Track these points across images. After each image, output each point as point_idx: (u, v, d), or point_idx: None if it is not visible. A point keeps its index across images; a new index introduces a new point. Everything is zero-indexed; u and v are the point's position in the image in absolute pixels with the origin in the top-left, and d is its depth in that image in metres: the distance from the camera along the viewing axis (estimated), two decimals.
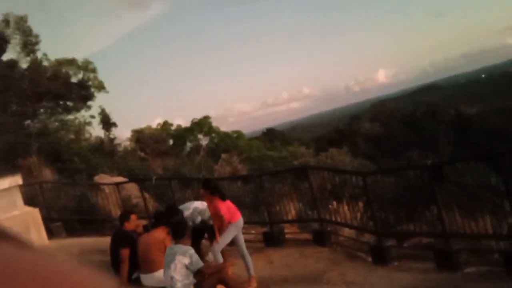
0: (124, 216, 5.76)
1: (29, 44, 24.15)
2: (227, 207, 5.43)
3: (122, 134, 32.06)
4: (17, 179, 8.19)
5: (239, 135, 28.34)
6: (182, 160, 22.22)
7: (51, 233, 8.73)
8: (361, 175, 7.71)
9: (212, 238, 5.53)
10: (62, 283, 0.23)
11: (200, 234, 5.54)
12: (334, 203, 10.60)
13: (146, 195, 11.93)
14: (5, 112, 19.77)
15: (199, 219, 5.95)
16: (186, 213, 5.94)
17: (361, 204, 9.87)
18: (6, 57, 23.67)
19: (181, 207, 6.15)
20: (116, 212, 11.78)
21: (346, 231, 8.82)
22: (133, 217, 5.65)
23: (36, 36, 24.22)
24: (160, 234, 5.15)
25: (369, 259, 6.82)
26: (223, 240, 5.35)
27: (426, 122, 31.68)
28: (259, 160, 21.90)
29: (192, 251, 4.48)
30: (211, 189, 5.55)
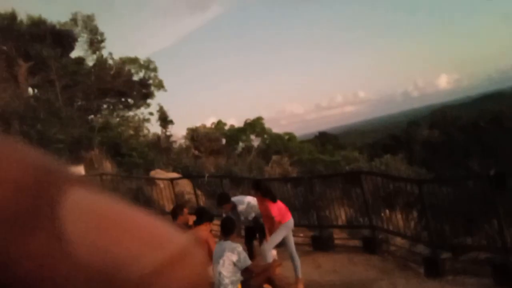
0: (177, 210, 5.94)
1: (95, 42, 25.56)
2: (277, 208, 5.45)
3: (178, 132, 33.12)
4: (80, 170, 8.70)
5: (290, 137, 28.31)
6: (234, 160, 22.53)
7: None
8: (416, 183, 7.45)
9: (262, 238, 5.57)
10: (150, 231, 0.24)
11: (252, 233, 5.59)
12: (387, 211, 10.32)
13: (198, 192, 12.24)
14: (72, 107, 21.06)
15: (252, 214, 6.01)
16: (240, 207, 6.02)
17: (415, 213, 9.54)
18: (74, 54, 25.25)
19: (234, 199, 6.25)
20: (169, 206, 12.18)
21: (398, 240, 8.56)
22: (185, 210, 5.82)
23: (102, 35, 25.60)
24: (204, 232, 5.23)
25: (421, 270, 6.57)
26: (272, 240, 5.38)
27: (490, 130, 29.95)
28: (310, 163, 21.75)
29: (240, 248, 4.53)
30: (262, 190, 5.59)
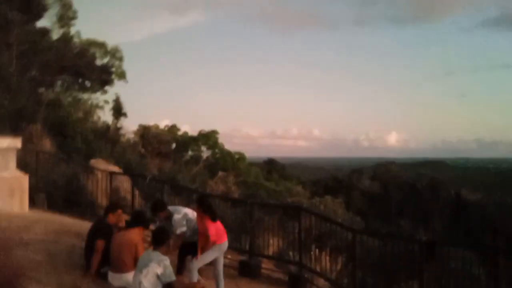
0: (111, 208, 5.70)
1: (66, 18, 24.56)
2: (216, 228, 5.36)
3: (129, 126, 32.18)
4: (17, 142, 8.19)
5: (241, 157, 28.33)
6: (180, 167, 22.17)
7: (33, 203, 8.65)
8: (352, 232, 7.62)
9: (193, 254, 5.43)
10: None
11: (187, 249, 5.43)
12: (317, 250, 10.46)
13: (136, 191, 11.85)
14: (23, 76, 19.92)
15: (183, 228, 5.80)
16: (176, 216, 5.84)
17: (343, 258, 9.74)
18: (40, 24, 24.07)
19: (171, 208, 6.06)
20: (103, 200, 11.69)
21: (321, 282, 8.68)
22: (119, 211, 5.58)
23: (74, 12, 24.66)
24: (135, 236, 5.05)
25: None
26: (203, 259, 5.26)
27: (425, 195, 31.53)
28: (254, 187, 21.81)
29: (167, 262, 4.39)
30: (204, 206, 5.49)
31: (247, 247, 9.02)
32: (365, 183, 33.38)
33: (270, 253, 9.72)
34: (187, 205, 7.92)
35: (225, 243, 5.44)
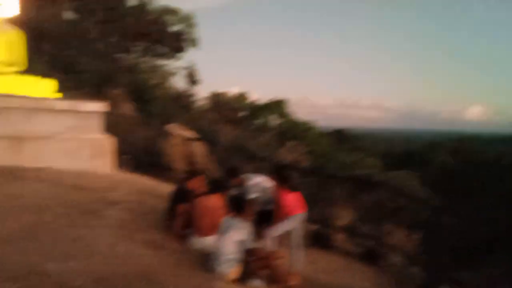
0: (192, 174, 5.82)
1: None
2: (291, 199, 5.28)
3: (201, 92, 32.95)
4: (103, 106, 8.59)
5: (310, 126, 27.94)
6: (250, 135, 22.33)
7: (118, 164, 9.11)
8: (429, 208, 7.23)
9: (268, 223, 5.42)
10: None
11: (264, 217, 5.43)
12: (390, 225, 10.14)
13: (210, 156, 12.15)
14: (105, 42, 20.87)
15: (256, 195, 5.78)
16: (250, 182, 5.84)
17: (418, 234, 9.35)
18: None
19: (244, 176, 6.07)
20: (179, 163, 12.12)
21: (395, 258, 8.42)
22: (199, 178, 5.69)
23: None
24: (216, 201, 5.13)
25: None
26: (277, 229, 5.23)
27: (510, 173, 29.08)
28: (324, 157, 21.50)
29: (248, 229, 4.40)
30: (282, 177, 5.42)
31: (319, 218, 8.93)
32: (443, 158, 31.60)
33: (342, 225, 9.57)
34: (258, 172, 7.94)
35: (299, 215, 5.35)
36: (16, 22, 8.82)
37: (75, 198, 5.96)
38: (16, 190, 5.97)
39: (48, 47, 14.38)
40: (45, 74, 10.83)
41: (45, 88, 8.27)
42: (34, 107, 7.57)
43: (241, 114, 29.41)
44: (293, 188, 5.42)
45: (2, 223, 4.64)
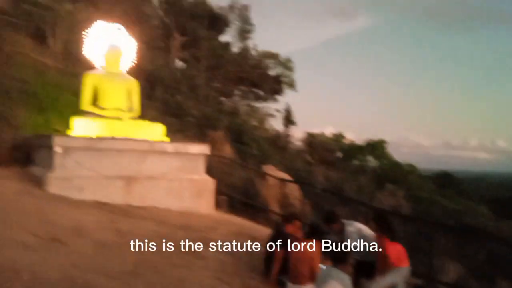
0: (290, 218, 5.82)
1: (245, 32, 26.78)
2: (396, 249, 5.00)
3: (295, 133, 33.35)
4: (206, 149, 9.09)
5: (412, 169, 26.56)
6: (346, 177, 21.86)
7: (216, 204, 9.47)
8: None
9: (368, 276, 5.16)
10: None
11: (366, 269, 5.21)
12: (504, 283, 9.11)
13: (305, 199, 12.08)
14: (210, 87, 22.37)
15: (355, 243, 5.55)
16: (349, 228, 5.65)
17: None
18: (223, 39, 26.78)
19: (345, 221, 5.89)
20: (274, 205, 12.23)
21: None
22: (297, 223, 5.67)
23: (252, 26, 26.71)
24: (312, 248, 5.02)
25: None
26: (380, 283, 4.95)
27: None
28: (426, 203, 20.16)
29: (348, 281, 4.24)
30: (383, 225, 5.18)
31: (421, 271, 8.27)
32: None
33: (448, 280, 8.76)
34: (354, 217, 7.66)
35: (406, 268, 5.02)
36: (133, 71, 9.87)
37: (178, 237, 6.27)
38: (125, 227, 6.46)
39: (160, 93, 15.78)
40: (156, 118, 11.86)
41: (156, 131, 9.01)
42: (146, 150, 8.26)
43: (336, 155, 29.05)
44: (395, 238, 5.14)
45: (111, 258, 5.03)
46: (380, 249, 5.11)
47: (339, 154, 29.49)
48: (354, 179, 22.14)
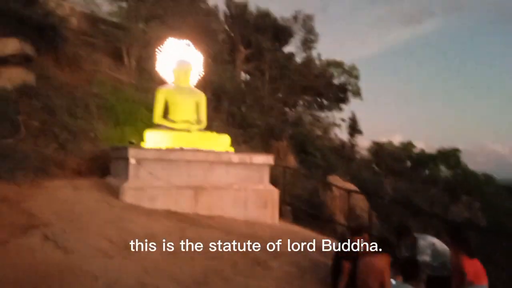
0: (358, 231, 5.71)
1: (308, 41, 26.77)
2: (473, 266, 4.72)
3: (361, 142, 32.55)
4: (270, 159, 9.18)
5: (488, 179, 24.91)
6: (416, 188, 20.94)
7: (280, 215, 9.50)
8: None
9: None
10: None
11: (440, 286, 4.96)
12: None
13: (372, 211, 11.74)
14: (273, 97, 22.58)
15: (427, 258, 5.31)
16: (422, 242, 5.42)
17: None
18: (286, 49, 26.98)
19: (417, 234, 5.65)
20: (340, 216, 12.02)
21: None
22: (365, 235, 5.54)
23: (316, 35, 26.65)
24: (383, 263, 4.87)
25: None
26: None
27: None
28: (504, 215, 18.75)
29: None
30: (460, 240, 4.90)
31: None
32: None
33: None
34: (425, 230, 7.30)
35: (484, 286, 4.71)
36: (200, 85, 10.25)
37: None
38: (194, 235, 6.67)
39: (225, 105, 16.21)
40: (222, 130, 12.18)
41: (222, 142, 9.26)
42: (213, 160, 8.52)
43: (405, 164, 27.99)
44: (472, 253, 4.85)
45: (181, 265, 5.23)
46: (457, 266, 4.84)
47: (408, 164, 28.40)
48: (425, 190, 21.15)
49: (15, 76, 11.43)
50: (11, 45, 11.63)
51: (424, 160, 26.96)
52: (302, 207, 11.55)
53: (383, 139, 30.29)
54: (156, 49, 9.87)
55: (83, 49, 15.00)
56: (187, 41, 9.95)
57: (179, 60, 9.57)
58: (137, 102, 12.82)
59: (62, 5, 16.77)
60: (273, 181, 9.54)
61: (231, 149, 9.27)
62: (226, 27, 24.93)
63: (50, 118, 10.73)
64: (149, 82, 13.95)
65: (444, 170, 26.48)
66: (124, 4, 17.26)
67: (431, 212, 12.96)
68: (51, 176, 8.72)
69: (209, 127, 9.96)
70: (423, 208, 14.59)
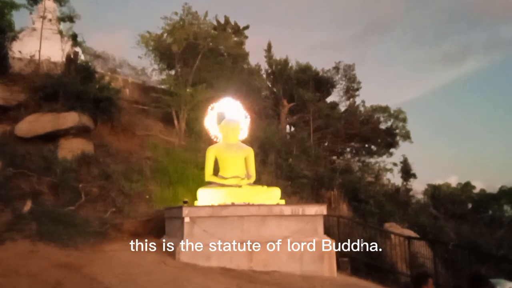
0: (422, 278, 5.41)
1: (351, 89, 26.96)
2: None
3: (416, 186, 31.34)
4: (323, 209, 9.03)
5: None
6: (480, 230, 19.65)
7: (338, 267, 9.18)
8: None
9: None
10: None
11: None
12: None
13: (436, 258, 11.09)
14: (320, 147, 22.57)
15: None
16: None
17: None
18: (329, 99, 27.25)
19: (494, 281, 5.26)
20: (401, 265, 11.42)
21: None
22: (430, 280, 5.25)
23: (359, 83, 26.84)
24: None
25: None
26: None
27: None
28: None
29: None
30: None
31: None
32: None
33: None
34: (495, 275, 6.79)
35: None
36: (247, 140, 10.49)
37: None
38: None
39: (273, 158, 16.36)
40: (271, 182, 12.22)
41: (273, 195, 9.28)
42: (265, 214, 8.51)
43: (466, 206, 26.54)
44: None
45: None
46: None
47: (469, 205, 26.92)
48: (491, 232, 19.79)
49: (75, 147, 12.26)
50: (70, 119, 12.61)
51: (485, 200, 25.48)
52: (360, 257, 11.12)
53: (438, 181, 29.07)
54: (206, 110, 10.33)
55: (136, 116, 15.93)
56: (232, 100, 10.36)
57: (227, 119, 9.93)
58: (187, 162, 13.24)
59: (116, 78, 18.11)
60: (327, 231, 9.31)
61: (282, 201, 9.25)
62: (269, 84, 25.68)
63: (108, 183, 11.28)
64: (198, 142, 14.46)
65: (508, 210, 24.80)
66: (172, 72, 18.38)
67: (501, 256, 12.04)
68: (110, 240, 9.02)
69: (258, 181, 10.05)
70: (491, 252, 13.61)
